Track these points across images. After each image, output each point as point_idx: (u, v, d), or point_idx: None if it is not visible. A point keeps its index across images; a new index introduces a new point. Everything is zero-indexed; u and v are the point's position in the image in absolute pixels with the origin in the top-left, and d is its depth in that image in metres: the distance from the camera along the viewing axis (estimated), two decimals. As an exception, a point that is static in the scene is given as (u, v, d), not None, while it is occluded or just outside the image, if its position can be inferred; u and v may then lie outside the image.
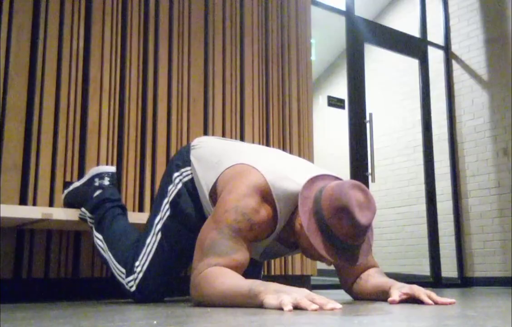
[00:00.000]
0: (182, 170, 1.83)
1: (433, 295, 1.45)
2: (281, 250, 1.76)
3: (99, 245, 1.92)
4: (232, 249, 1.47)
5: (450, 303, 1.43)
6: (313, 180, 1.52)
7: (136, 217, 2.13)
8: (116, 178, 2.16)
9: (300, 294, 1.26)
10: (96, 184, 2.04)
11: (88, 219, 1.97)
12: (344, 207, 1.40)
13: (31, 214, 1.89)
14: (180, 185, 1.81)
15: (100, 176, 2.06)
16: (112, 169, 2.11)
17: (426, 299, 1.43)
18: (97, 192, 2.01)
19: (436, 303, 1.43)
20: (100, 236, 1.92)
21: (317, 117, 4.00)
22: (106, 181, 2.06)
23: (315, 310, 1.20)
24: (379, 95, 6.35)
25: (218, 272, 1.44)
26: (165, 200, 1.82)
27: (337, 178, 1.59)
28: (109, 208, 1.97)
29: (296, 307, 1.23)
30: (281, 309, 1.22)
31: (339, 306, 1.25)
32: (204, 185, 1.72)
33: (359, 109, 4.27)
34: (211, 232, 1.49)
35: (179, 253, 1.79)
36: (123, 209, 2.02)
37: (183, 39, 2.79)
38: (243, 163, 1.61)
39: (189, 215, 1.77)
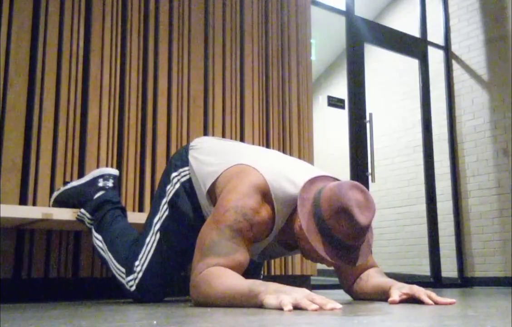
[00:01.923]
0: (180, 170, 1.83)
1: (433, 295, 1.45)
2: (280, 251, 1.76)
3: (98, 246, 1.92)
4: (232, 249, 1.47)
5: (450, 303, 1.43)
6: (312, 181, 1.52)
7: (136, 217, 2.13)
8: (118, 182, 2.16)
9: (300, 294, 1.26)
10: (100, 184, 2.04)
11: (87, 220, 1.97)
12: (343, 208, 1.40)
13: (31, 214, 1.89)
14: (178, 185, 1.81)
15: (105, 177, 2.06)
16: (116, 172, 2.11)
17: (426, 299, 1.43)
18: (99, 193, 2.01)
19: (436, 303, 1.43)
20: (99, 237, 1.92)
21: (317, 117, 4.00)
22: (110, 183, 2.06)
23: (315, 310, 1.20)
24: (379, 95, 6.35)
25: (218, 272, 1.44)
26: (164, 200, 1.83)
27: (335, 179, 1.59)
28: (109, 209, 1.96)
29: (296, 307, 1.23)
30: (281, 309, 1.22)
31: (339, 306, 1.25)
32: (203, 185, 1.72)
33: (359, 109, 4.27)
34: (211, 233, 1.49)
35: (178, 253, 1.79)
36: (123, 211, 2.02)
37: (183, 39, 2.80)
38: (242, 164, 1.62)
39: (187, 215, 1.77)
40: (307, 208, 1.47)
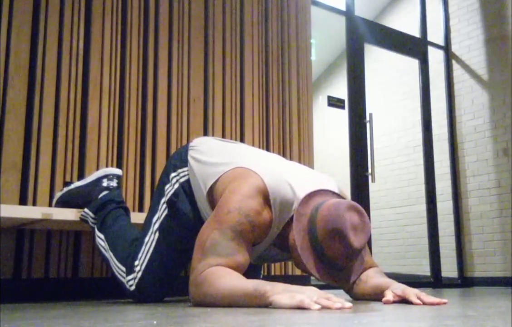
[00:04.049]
0: (179, 170, 1.83)
1: (422, 295, 1.44)
2: (279, 255, 1.76)
3: (100, 245, 1.92)
4: (233, 250, 1.47)
5: (438, 303, 1.42)
6: (310, 196, 1.52)
7: (136, 217, 2.13)
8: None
9: (313, 293, 1.27)
10: (104, 184, 2.04)
11: (90, 220, 1.97)
12: (338, 230, 1.40)
13: (31, 214, 1.89)
14: (177, 185, 1.81)
15: (109, 177, 2.06)
16: (120, 172, 2.11)
17: (414, 300, 1.43)
18: (103, 193, 2.01)
19: (424, 303, 1.42)
20: (102, 236, 1.92)
21: (317, 117, 4.00)
22: (114, 183, 2.06)
23: (339, 308, 1.21)
24: (379, 95, 6.35)
25: (220, 272, 1.43)
26: (163, 200, 1.83)
27: (335, 194, 1.59)
28: (112, 209, 1.97)
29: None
30: (291, 308, 1.23)
31: (349, 304, 1.26)
32: (203, 186, 1.72)
33: (359, 109, 4.27)
34: (213, 233, 1.49)
35: (177, 253, 1.79)
36: (126, 211, 2.03)
37: (183, 39, 2.80)
38: (242, 167, 1.62)
39: (186, 215, 1.77)
40: (302, 224, 1.47)
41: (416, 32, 5.08)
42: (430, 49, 5.06)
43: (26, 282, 2.17)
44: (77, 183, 2.11)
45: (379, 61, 6.20)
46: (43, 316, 1.21)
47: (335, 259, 1.44)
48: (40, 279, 2.20)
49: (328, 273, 1.46)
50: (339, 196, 1.60)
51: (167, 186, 1.83)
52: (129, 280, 1.80)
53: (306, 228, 1.47)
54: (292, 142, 3.16)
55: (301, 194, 1.52)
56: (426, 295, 1.45)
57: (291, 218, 1.53)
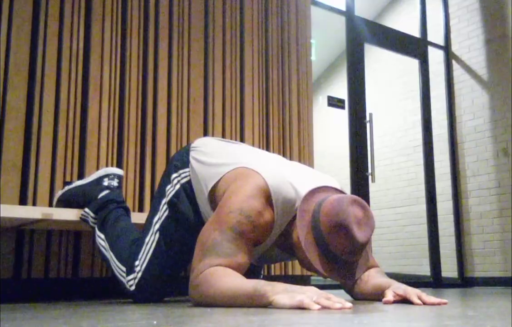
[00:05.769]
0: (181, 171, 1.83)
1: (423, 295, 1.45)
2: (280, 256, 1.76)
3: (101, 245, 1.92)
4: (234, 251, 1.47)
5: (439, 303, 1.42)
6: (313, 192, 1.51)
7: (136, 217, 2.13)
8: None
9: (314, 293, 1.26)
10: (105, 184, 2.04)
11: (91, 220, 1.97)
12: (342, 224, 1.40)
13: (31, 214, 1.89)
14: (178, 186, 1.80)
15: (110, 177, 2.06)
16: (121, 171, 2.11)
17: (415, 300, 1.43)
18: (104, 193, 2.01)
19: (424, 303, 1.42)
20: (102, 236, 1.92)
21: (317, 117, 4.00)
22: (115, 182, 2.06)
23: (340, 308, 1.20)
24: (379, 95, 6.35)
25: (220, 272, 1.43)
26: (164, 200, 1.83)
27: (337, 190, 1.59)
28: (113, 208, 1.97)
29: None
30: (291, 308, 1.23)
31: (349, 304, 1.26)
32: (204, 186, 1.72)
33: (359, 109, 4.27)
34: (213, 233, 1.49)
35: (178, 253, 1.79)
36: (127, 210, 2.02)
37: (183, 39, 2.80)
38: (244, 167, 1.61)
39: (187, 216, 1.77)
40: (306, 220, 1.47)
41: (416, 32, 5.08)
42: (430, 49, 5.06)
43: (26, 282, 2.17)
44: (78, 182, 2.11)
45: (379, 61, 6.20)
46: (43, 316, 1.21)
47: (339, 254, 1.43)
48: (40, 279, 2.20)
49: (333, 269, 1.45)
50: (341, 192, 1.60)
51: (168, 186, 1.83)
52: (129, 280, 1.80)
53: (310, 224, 1.46)
54: (292, 142, 3.16)
55: (303, 192, 1.52)
56: (426, 295, 1.45)
57: (294, 217, 1.53)
